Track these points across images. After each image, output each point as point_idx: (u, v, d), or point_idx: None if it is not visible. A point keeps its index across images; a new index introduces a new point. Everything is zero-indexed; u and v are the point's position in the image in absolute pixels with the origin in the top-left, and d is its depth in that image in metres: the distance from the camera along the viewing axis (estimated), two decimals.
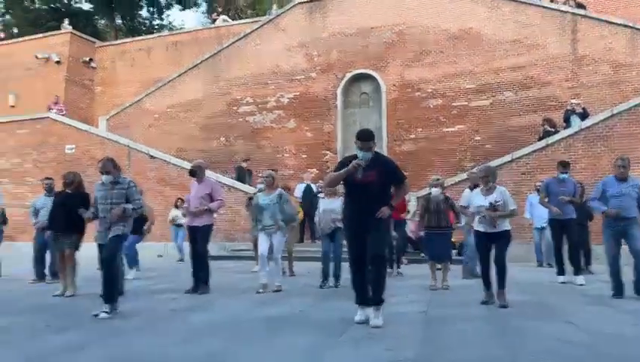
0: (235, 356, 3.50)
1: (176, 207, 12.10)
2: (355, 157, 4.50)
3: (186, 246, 7.70)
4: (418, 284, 7.13)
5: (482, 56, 14.27)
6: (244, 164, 14.23)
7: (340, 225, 7.23)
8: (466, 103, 14.33)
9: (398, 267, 8.59)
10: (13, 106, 19.80)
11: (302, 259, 10.00)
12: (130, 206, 5.26)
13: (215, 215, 7.19)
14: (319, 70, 15.83)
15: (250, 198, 8.43)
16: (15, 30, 27.11)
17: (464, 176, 10.94)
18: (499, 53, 14.14)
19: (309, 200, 11.57)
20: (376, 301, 4.41)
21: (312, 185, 12.64)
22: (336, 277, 7.16)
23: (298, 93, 15.93)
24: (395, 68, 15.05)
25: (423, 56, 14.82)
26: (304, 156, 15.61)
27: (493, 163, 10.66)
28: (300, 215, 9.68)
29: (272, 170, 7.91)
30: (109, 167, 5.31)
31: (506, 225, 5.56)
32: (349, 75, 15.49)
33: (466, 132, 14.24)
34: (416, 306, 5.42)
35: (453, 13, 14.57)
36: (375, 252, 4.39)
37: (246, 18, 25.27)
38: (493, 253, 5.60)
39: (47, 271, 8.18)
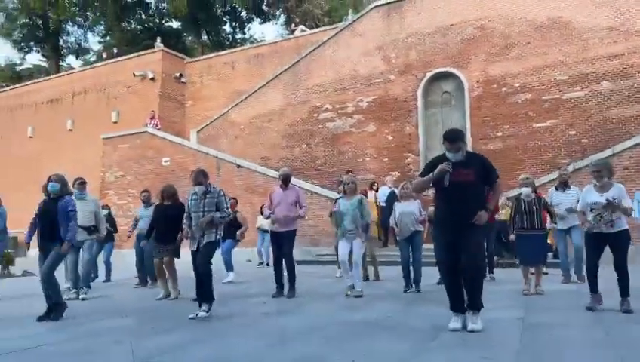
0: (329, 360, 3.54)
1: (262, 213, 12.49)
2: (444, 157, 4.37)
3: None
4: (513, 289, 6.79)
5: (574, 46, 13.35)
6: (346, 177, 14.35)
7: (419, 228, 7.09)
8: (558, 96, 13.46)
9: (491, 272, 8.25)
10: (115, 122, 21.63)
11: (387, 264, 9.92)
12: (218, 214, 5.52)
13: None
14: (398, 72, 15.67)
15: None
16: (115, 50, 29.61)
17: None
18: (593, 41, 13.14)
19: (392, 204, 11.43)
20: (475, 305, 4.24)
21: (395, 190, 12.50)
22: (417, 282, 7.05)
23: (377, 97, 15.87)
24: (477, 64, 14.51)
25: (507, 50, 14.16)
26: (385, 160, 15.50)
27: (593, 158, 9.91)
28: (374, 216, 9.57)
29: (348, 171, 7.92)
30: (201, 178, 5.63)
31: (623, 224, 5.11)
32: (429, 75, 15.18)
33: (559, 126, 13.37)
34: (513, 312, 5.15)
35: (540, 2, 13.78)
36: (472, 258, 4.21)
37: (323, 26, 25.67)
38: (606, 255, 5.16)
39: (148, 276, 8.78)
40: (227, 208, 5.66)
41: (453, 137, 4.33)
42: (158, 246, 7.13)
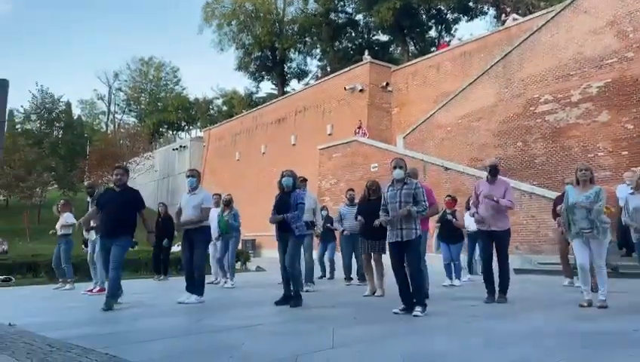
0: None
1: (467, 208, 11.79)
2: None
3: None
4: None
5: None
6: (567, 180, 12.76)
7: None
8: None
9: None
10: (330, 134, 23.30)
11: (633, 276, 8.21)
12: (414, 208, 5.24)
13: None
14: (637, 47, 13.05)
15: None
16: (329, 69, 32.18)
17: None
18: None
19: None
20: None
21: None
22: None
23: (610, 80, 13.48)
24: None
25: None
26: (624, 153, 13.00)
27: None
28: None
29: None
30: (402, 163, 5.47)
31: None
32: None
33: None
34: None
35: None
36: None
37: (538, 11, 23.27)
38: None
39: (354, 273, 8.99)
40: (425, 202, 5.33)
41: None
42: (365, 243, 7.19)
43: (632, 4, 13.23)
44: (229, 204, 9.02)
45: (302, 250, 7.32)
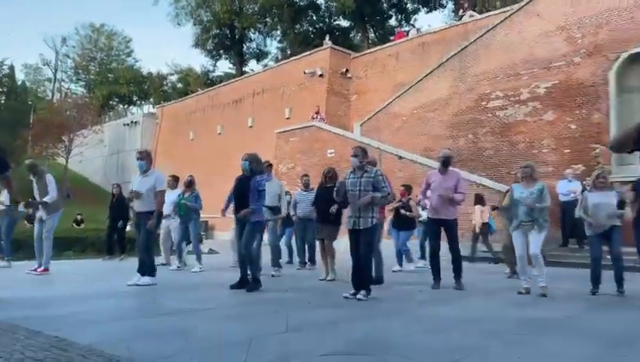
0: (483, 352, 3.17)
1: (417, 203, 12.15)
2: None
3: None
4: None
5: None
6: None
7: (618, 223, 6.03)
8: None
9: None
10: (288, 118, 23.23)
11: (568, 266, 8.81)
12: (378, 194, 5.38)
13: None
14: (584, 53, 13.74)
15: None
16: (289, 52, 31.90)
17: None
18: None
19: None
20: None
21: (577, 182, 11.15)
22: (619, 281, 6.01)
23: (557, 82, 14.15)
24: None
25: None
26: (566, 151, 13.75)
27: None
28: None
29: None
30: (359, 151, 5.54)
31: None
32: (624, 55, 12.98)
33: None
34: None
35: None
36: None
37: (495, 10, 23.95)
38: None
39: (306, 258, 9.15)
40: (385, 187, 5.47)
41: None
42: (321, 228, 7.28)
43: (583, 11, 13.88)
44: (190, 185, 8.83)
45: (262, 235, 7.34)
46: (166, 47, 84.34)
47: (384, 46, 23.58)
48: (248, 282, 5.98)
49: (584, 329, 3.99)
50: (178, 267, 8.66)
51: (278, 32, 37.70)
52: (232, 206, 6.47)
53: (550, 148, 14.09)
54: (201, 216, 9.44)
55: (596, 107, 13.36)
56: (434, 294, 5.97)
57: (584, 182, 10.93)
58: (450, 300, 5.47)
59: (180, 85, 45.81)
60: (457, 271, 6.47)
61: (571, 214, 8.57)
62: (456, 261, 6.48)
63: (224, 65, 51.79)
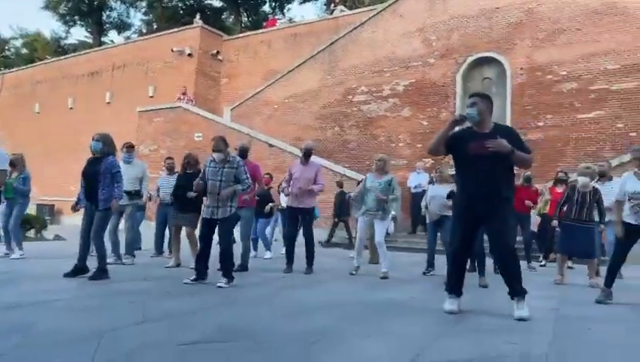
0: (341, 334, 3.36)
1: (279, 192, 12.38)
2: (471, 132, 3.97)
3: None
4: (547, 281, 6.46)
5: (629, 33, 12.52)
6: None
7: (447, 213, 6.81)
8: (607, 86, 12.70)
9: (529, 261, 8.03)
10: (152, 97, 21.86)
11: (419, 251, 9.70)
12: (239, 187, 5.41)
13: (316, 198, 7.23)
14: (438, 55, 15.15)
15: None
16: (155, 26, 29.94)
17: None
18: None
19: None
20: (518, 292, 3.94)
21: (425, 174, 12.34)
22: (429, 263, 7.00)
23: (414, 80, 15.41)
24: (522, 50, 13.85)
25: (555, 36, 13.44)
26: (419, 145, 15.06)
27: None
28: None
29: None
30: (221, 145, 5.45)
31: None
32: (470, 60, 14.60)
33: (606, 118, 12.64)
34: (547, 302, 4.83)
35: None
36: (503, 242, 3.95)
37: (364, 7, 25.16)
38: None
39: (165, 246, 8.63)
40: (247, 178, 5.48)
41: (472, 94, 4.11)
42: (177, 215, 7.03)
43: (438, 15, 15.26)
44: (16, 165, 7.60)
45: (113, 221, 6.84)
46: (9, 7, 73.51)
47: (257, 32, 23.41)
48: (84, 270, 5.51)
49: (424, 309, 4.44)
50: (6, 254, 7.61)
51: (144, 4, 35.20)
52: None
53: (405, 143, 15.32)
54: (46, 198, 8.45)
55: (445, 106, 14.84)
56: (294, 280, 6.14)
57: (432, 175, 12.10)
58: (312, 285, 5.68)
59: (25, 51, 40.39)
60: (310, 257, 6.76)
61: (419, 204, 9.48)
62: (310, 248, 6.76)
63: (79, 33, 46.99)
